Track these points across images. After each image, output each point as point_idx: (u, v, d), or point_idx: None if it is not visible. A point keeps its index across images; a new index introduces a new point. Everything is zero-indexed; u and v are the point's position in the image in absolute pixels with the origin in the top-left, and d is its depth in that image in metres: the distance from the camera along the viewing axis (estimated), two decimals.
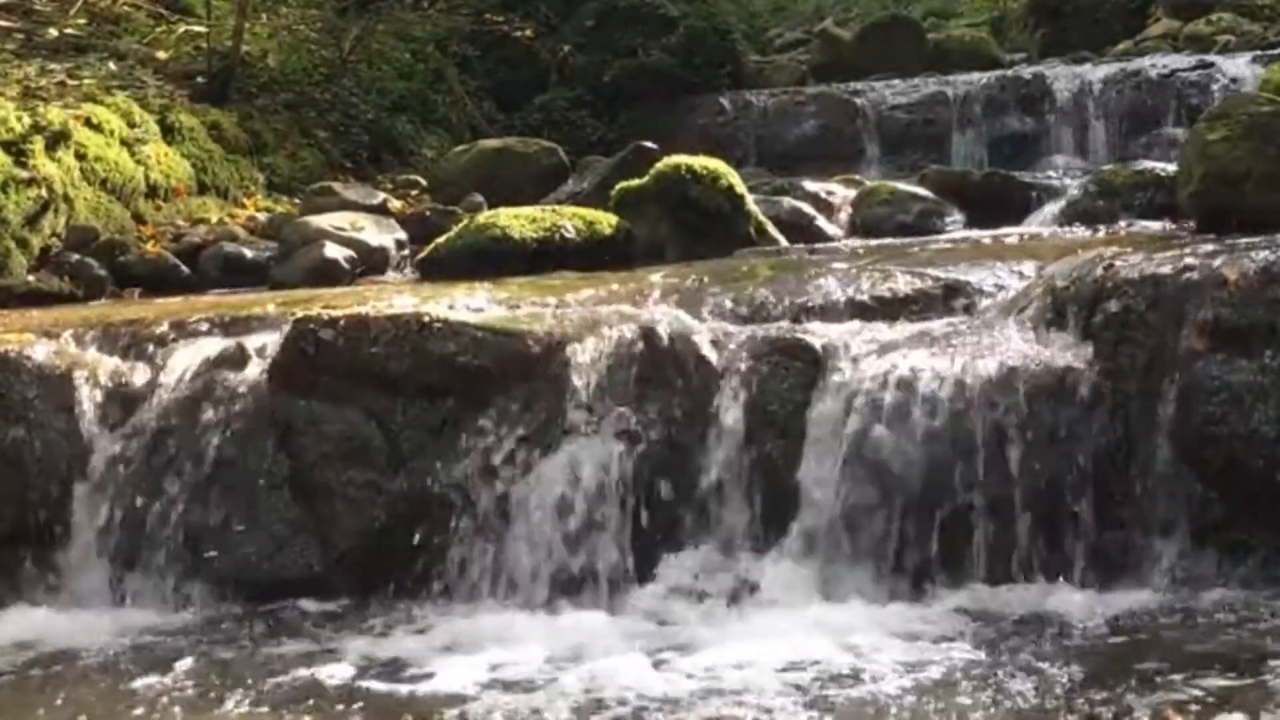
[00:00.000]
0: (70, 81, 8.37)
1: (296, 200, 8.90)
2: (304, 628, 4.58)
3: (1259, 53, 11.08)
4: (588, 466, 4.71)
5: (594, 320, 5.06)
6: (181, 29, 9.87)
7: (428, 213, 8.18)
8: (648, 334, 4.89)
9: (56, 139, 7.52)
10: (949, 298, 5.27)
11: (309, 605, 4.74)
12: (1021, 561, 4.46)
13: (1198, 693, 3.54)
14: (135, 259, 7.41)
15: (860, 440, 4.57)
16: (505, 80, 12.41)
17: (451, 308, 5.21)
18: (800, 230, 7.70)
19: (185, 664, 4.26)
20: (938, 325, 5.04)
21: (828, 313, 5.19)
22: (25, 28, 8.96)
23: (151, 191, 8.27)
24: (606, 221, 7.04)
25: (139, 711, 3.86)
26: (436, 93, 11.71)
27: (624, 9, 12.92)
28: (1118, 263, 4.81)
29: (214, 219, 8.31)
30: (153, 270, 7.37)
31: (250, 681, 4.02)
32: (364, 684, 3.96)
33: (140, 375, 5.17)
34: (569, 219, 6.97)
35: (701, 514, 4.68)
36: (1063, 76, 11.28)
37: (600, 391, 4.79)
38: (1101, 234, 6.93)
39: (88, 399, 5.08)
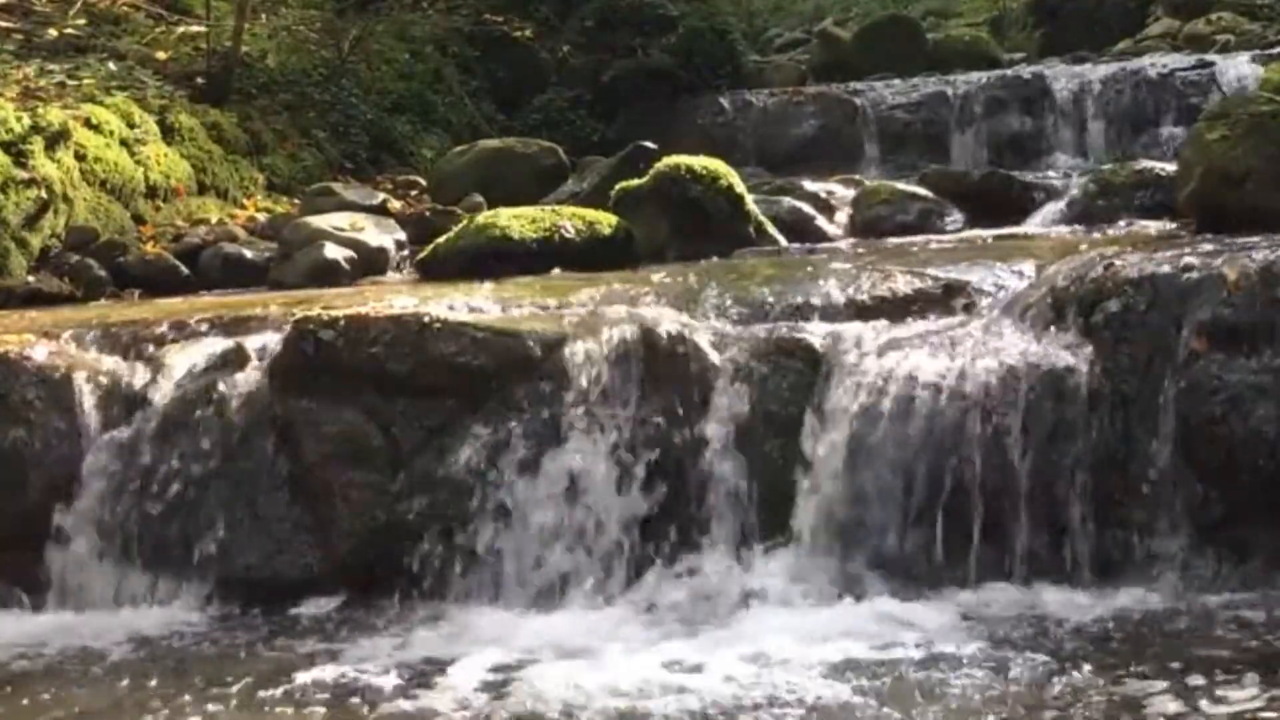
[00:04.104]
0: (70, 82, 8.36)
1: (296, 201, 8.90)
2: (304, 628, 4.58)
3: (1259, 52, 11.07)
4: (588, 466, 4.71)
5: (594, 320, 5.06)
6: (181, 29, 9.86)
7: (427, 213, 8.18)
8: (648, 334, 4.89)
9: (56, 139, 7.52)
10: (949, 298, 5.27)
11: (309, 605, 4.74)
12: (1021, 561, 4.46)
13: (1199, 693, 3.54)
14: (135, 260, 7.41)
15: (859, 440, 4.57)
16: (505, 80, 12.42)
17: (451, 308, 5.21)
18: (800, 230, 7.71)
19: (185, 665, 4.26)
20: (938, 325, 5.04)
21: (827, 313, 5.19)
22: (25, 28, 8.96)
23: (151, 192, 8.27)
24: (606, 221, 7.04)
25: (139, 712, 3.86)
26: (436, 93, 11.72)
27: (624, 9, 12.93)
28: (1118, 263, 4.82)
29: (214, 219, 8.31)
30: (152, 271, 7.37)
31: (250, 682, 4.02)
32: (365, 684, 3.95)
33: (140, 376, 5.17)
34: (569, 219, 6.97)
35: (700, 514, 4.68)
36: (1062, 76, 11.29)
37: (600, 391, 4.79)
38: (1101, 234, 6.93)
39: (88, 399, 5.08)
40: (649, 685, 3.81)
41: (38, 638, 4.59)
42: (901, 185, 8.36)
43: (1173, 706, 3.47)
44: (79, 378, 5.12)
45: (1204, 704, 3.47)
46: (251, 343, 5.21)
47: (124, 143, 8.14)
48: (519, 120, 12.03)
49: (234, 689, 3.97)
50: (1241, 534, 4.39)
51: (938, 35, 14.87)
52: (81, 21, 9.15)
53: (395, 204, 8.45)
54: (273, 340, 5.14)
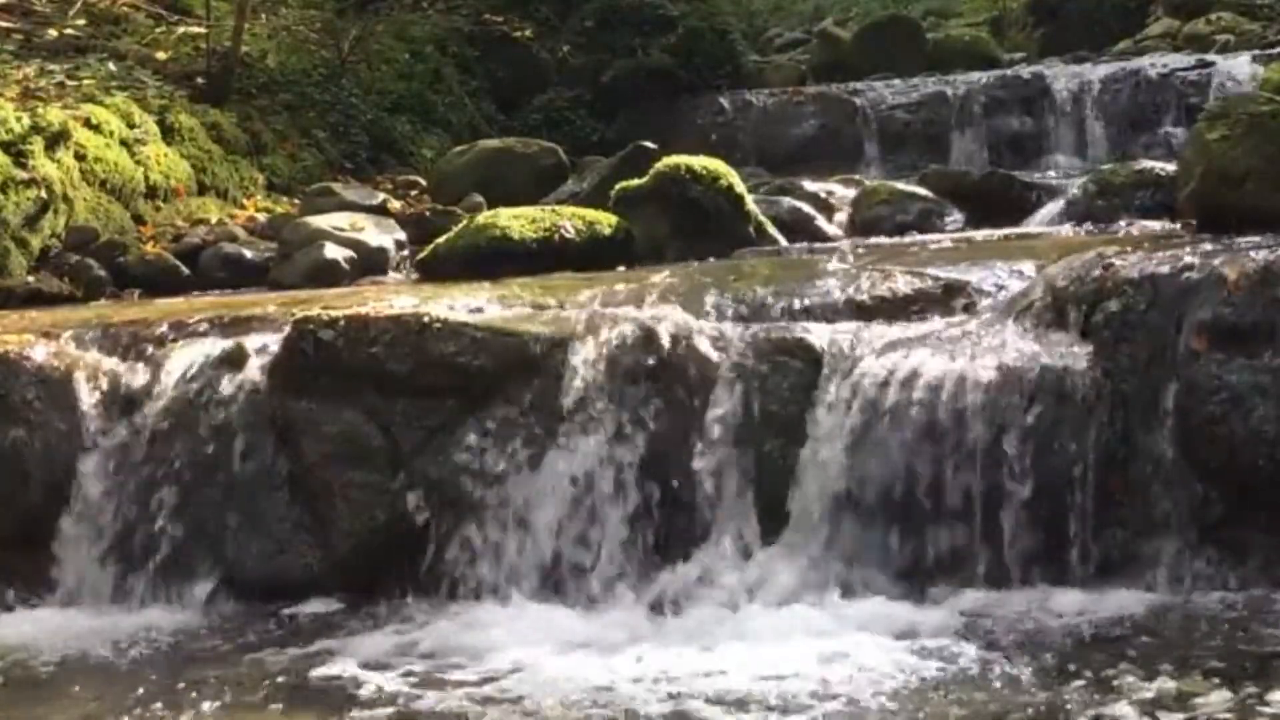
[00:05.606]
0: (70, 82, 8.37)
1: (296, 201, 8.90)
2: (304, 628, 4.58)
3: (1259, 52, 11.07)
4: (588, 466, 4.71)
5: (594, 320, 5.06)
6: (181, 29, 9.87)
7: (427, 213, 8.19)
8: (648, 334, 4.89)
9: (56, 139, 7.52)
10: (949, 297, 5.27)
11: (309, 606, 4.74)
12: (1021, 561, 4.46)
13: (1198, 694, 3.54)
14: (135, 260, 7.42)
15: (860, 440, 4.56)
16: (505, 80, 12.42)
17: (451, 308, 5.21)
18: (800, 230, 7.70)
19: (186, 665, 4.27)
20: (938, 325, 5.04)
21: (828, 312, 5.19)
22: (25, 28, 8.96)
23: (151, 192, 8.27)
24: (606, 221, 7.05)
25: (140, 712, 3.86)
26: (436, 93, 11.72)
27: (624, 9, 12.94)
28: (1118, 263, 4.82)
29: (214, 219, 8.31)
30: (152, 271, 7.38)
31: (250, 682, 4.02)
32: (365, 684, 3.95)
33: (140, 376, 5.17)
34: (569, 219, 6.97)
35: (701, 513, 4.68)
36: (1062, 76, 11.30)
37: (600, 391, 4.79)
38: (1101, 234, 6.93)
39: (88, 399, 5.09)
40: (649, 682, 3.81)
41: (38, 638, 4.59)
42: (901, 185, 8.35)
43: (1138, 711, 3.46)
44: (79, 378, 5.12)
45: (1204, 704, 3.47)
46: (251, 343, 5.21)
47: (124, 143, 8.14)
48: (519, 120, 12.03)
49: (234, 689, 3.97)
50: (1241, 534, 4.39)
51: (938, 35, 14.88)
52: (81, 21, 9.16)
53: (395, 204, 8.45)
54: (273, 340, 5.14)
